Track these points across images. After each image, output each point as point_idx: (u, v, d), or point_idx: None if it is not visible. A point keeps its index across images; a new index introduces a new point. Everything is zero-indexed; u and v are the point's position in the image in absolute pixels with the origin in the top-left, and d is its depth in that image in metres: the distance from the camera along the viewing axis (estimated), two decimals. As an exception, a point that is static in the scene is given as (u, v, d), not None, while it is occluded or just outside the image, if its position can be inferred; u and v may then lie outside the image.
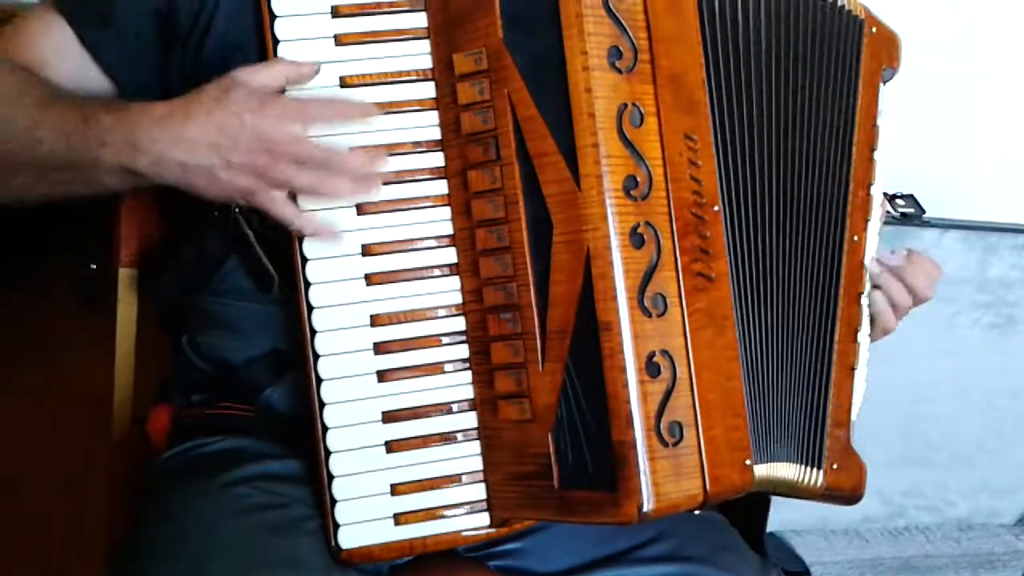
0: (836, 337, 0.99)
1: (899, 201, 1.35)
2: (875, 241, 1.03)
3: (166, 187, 1.04)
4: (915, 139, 1.49)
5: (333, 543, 0.88)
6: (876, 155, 1.03)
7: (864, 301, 1.02)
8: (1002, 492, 1.72)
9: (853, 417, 1.01)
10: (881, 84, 1.05)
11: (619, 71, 0.84)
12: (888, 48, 1.05)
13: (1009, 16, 1.63)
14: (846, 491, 1.00)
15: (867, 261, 1.02)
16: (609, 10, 0.84)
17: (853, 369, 1.00)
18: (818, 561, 1.55)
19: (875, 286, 1.03)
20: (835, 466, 0.98)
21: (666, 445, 0.83)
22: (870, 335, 1.05)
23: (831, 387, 0.99)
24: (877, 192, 1.03)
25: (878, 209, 1.04)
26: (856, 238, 1.01)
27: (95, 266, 1.10)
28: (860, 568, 1.57)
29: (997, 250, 1.54)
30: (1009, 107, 1.65)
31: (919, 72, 1.48)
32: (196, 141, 0.82)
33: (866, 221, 1.02)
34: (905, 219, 1.35)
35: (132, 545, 0.92)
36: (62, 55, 0.95)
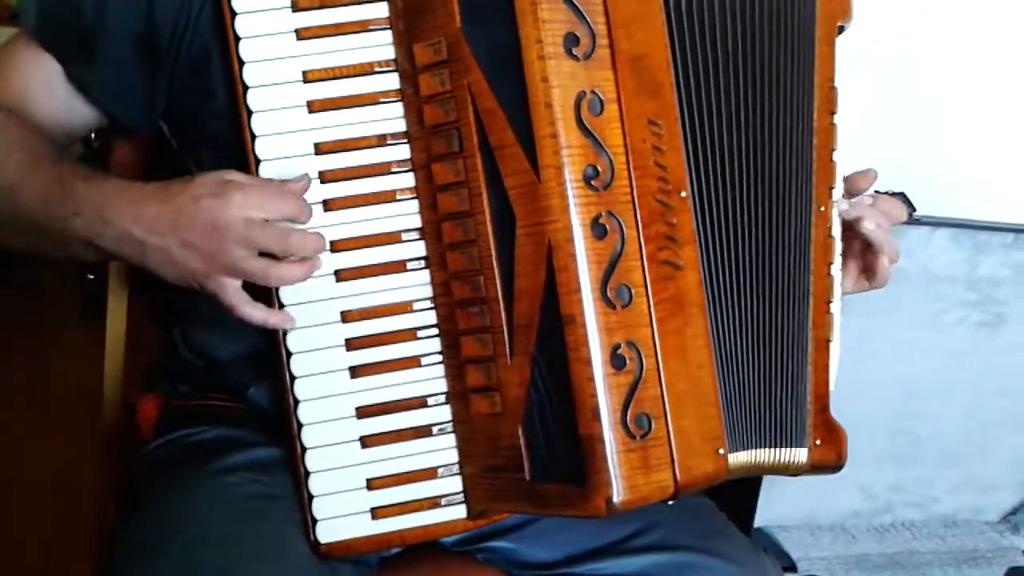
0: (811, 313, 0.96)
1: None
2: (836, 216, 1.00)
3: (156, 172, 1.07)
4: (905, 137, 1.46)
5: (312, 537, 0.89)
6: (836, 119, 0.98)
7: (834, 271, 0.98)
8: (987, 489, 1.71)
9: (831, 388, 0.99)
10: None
11: (576, 58, 0.82)
12: (841, 3, 1.00)
13: (1005, 17, 1.58)
14: (831, 463, 0.98)
15: (834, 231, 0.98)
16: (564, -4, 0.82)
17: (828, 341, 0.98)
18: (804, 557, 1.55)
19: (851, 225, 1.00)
20: (818, 442, 0.96)
21: (634, 437, 0.82)
22: (872, 286, 1.03)
23: (808, 364, 0.96)
24: (839, 159, 0.99)
25: (840, 177, 0.99)
26: (823, 208, 0.97)
27: (92, 276, 1.12)
28: (846, 564, 1.56)
29: (986, 248, 1.52)
30: (1000, 105, 1.60)
31: (911, 70, 1.46)
32: (155, 220, 0.83)
33: (831, 189, 0.98)
34: (895, 217, 1.32)
35: (121, 535, 0.93)
36: (48, 90, 0.96)
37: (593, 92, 0.83)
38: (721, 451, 0.87)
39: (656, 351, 0.84)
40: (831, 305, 0.97)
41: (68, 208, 0.86)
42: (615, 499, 0.81)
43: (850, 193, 1.03)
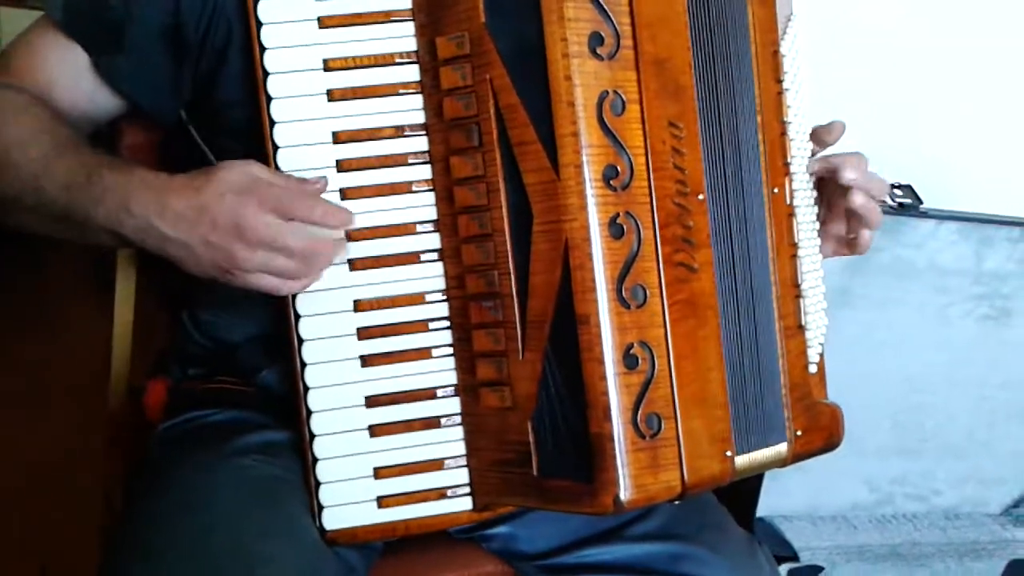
0: (776, 303, 0.94)
1: (896, 191, 1.31)
2: (808, 186, 0.96)
3: (168, 158, 1.07)
4: (913, 129, 1.46)
5: (318, 524, 0.90)
6: (784, 85, 0.95)
7: (803, 252, 0.96)
8: (990, 482, 1.72)
9: (812, 369, 0.97)
10: None
11: (600, 58, 0.83)
12: None
13: (1012, 11, 1.58)
14: (818, 449, 0.97)
15: (798, 204, 0.95)
16: (591, -6, 0.82)
17: (801, 327, 0.96)
18: (806, 547, 1.56)
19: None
20: (799, 432, 0.95)
21: (643, 437, 0.83)
22: (851, 253, 1.01)
23: (779, 355, 0.94)
24: (798, 132, 0.95)
25: (804, 150, 0.96)
26: (776, 189, 0.94)
27: (99, 257, 1.11)
28: (847, 554, 1.57)
29: (993, 242, 1.52)
30: (1008, 98, 1.61)
31: (918, 62, 1.45)
32: (179, 215, 0.82)
33: (786, 166, 0.95)
34: (902, 209, 1.32)
35: (132, 516, 0.93)
36: (72, 78, 0.96)
37: (615, 92, 0.83)
38: (728, 453, 0.87)
39: (668, 352, 0.84)
40: (801, 287, 0.95)
41: (91, 195, 0.85)
42: (622, 497, 0.82)
43: (816, 146, 0.99)
